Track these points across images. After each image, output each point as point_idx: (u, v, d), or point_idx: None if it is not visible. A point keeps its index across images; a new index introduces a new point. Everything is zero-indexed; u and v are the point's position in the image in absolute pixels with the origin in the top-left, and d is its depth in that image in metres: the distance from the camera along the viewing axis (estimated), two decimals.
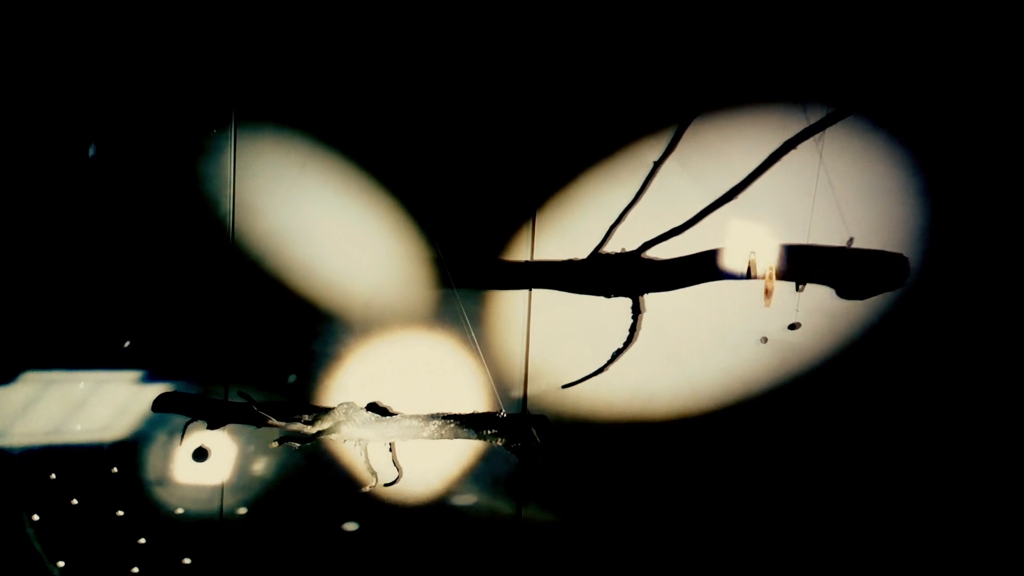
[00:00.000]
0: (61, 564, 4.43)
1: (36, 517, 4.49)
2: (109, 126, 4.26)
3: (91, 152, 4.04)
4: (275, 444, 4.15)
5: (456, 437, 4.24)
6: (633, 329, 4.25)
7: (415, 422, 4.22)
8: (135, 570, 4.57)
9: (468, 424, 4.21)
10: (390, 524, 4.57)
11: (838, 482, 4.30)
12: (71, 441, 4.55)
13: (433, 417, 4.26)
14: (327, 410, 4.32)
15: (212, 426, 4.35)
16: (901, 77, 3.97)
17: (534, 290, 4.36)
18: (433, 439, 4.24)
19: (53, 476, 4.53)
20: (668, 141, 4.08)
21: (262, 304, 4.53)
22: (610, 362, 4.32)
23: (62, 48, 4.29)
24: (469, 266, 4.45)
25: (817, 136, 3.96)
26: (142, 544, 4.56)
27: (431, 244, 4.34)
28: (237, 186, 4.04)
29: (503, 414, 4.21)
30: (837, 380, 4.23)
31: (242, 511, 4.54)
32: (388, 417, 4.26)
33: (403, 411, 4.42)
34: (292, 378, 4.47)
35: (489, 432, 4.19)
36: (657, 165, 4.09)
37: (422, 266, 4.49)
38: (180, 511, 4.62)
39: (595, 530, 4.49)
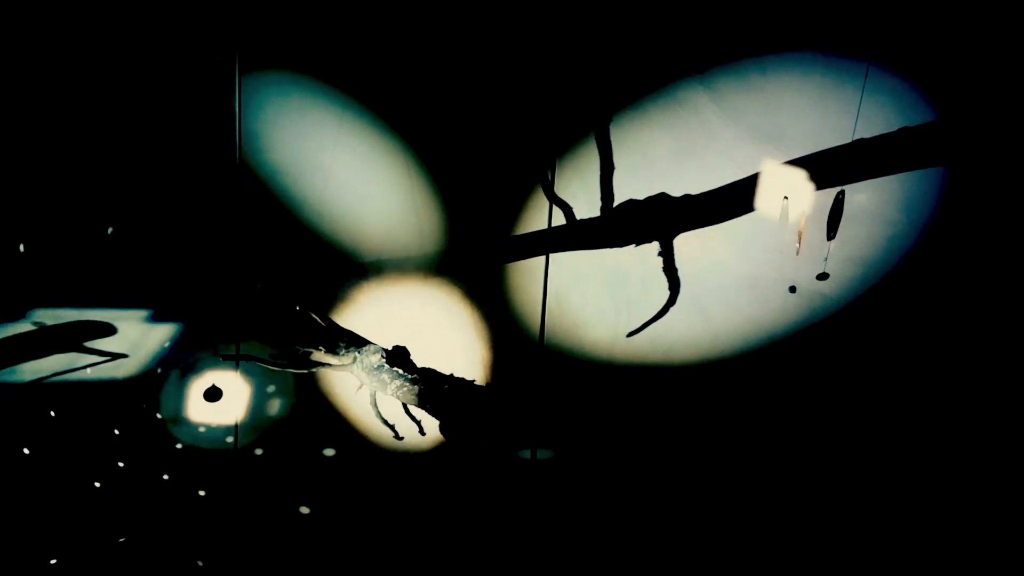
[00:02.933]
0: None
1: (118, 431, 4.58)
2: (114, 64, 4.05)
3: (109, 231, 3.96)
4: (220, 357, 4.11)
5: (410, 402, 4.05)
6: (672, 273, 3.99)
7: (387, 377, 4.01)
8: (165, 477, 4.73)
9: (419, 389, 4.00)
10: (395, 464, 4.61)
11: (859, 441, 4.28)
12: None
13: (397, 376, 4.06)
14: (359, 347, 4.13)
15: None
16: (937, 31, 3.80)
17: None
18: (396, 398, 4.05)
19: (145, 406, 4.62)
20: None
21: (274, 242, 4.41)
22: (666, 308, 4.06)
23: None
24: (482, 250, 4.26)
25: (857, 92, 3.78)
26: (178, 449, 4.67)
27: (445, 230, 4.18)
28: (243, 127, 3.90)
29: (447, 386, 3.99)
30: (866, 331, 4.14)
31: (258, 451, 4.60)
32: (376, 369, 4.06)
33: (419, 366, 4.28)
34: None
35: (433, 406, 3.98)
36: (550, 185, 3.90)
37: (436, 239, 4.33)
38: (202, 428, 4.71)
39: (605, 477, 4.53)
